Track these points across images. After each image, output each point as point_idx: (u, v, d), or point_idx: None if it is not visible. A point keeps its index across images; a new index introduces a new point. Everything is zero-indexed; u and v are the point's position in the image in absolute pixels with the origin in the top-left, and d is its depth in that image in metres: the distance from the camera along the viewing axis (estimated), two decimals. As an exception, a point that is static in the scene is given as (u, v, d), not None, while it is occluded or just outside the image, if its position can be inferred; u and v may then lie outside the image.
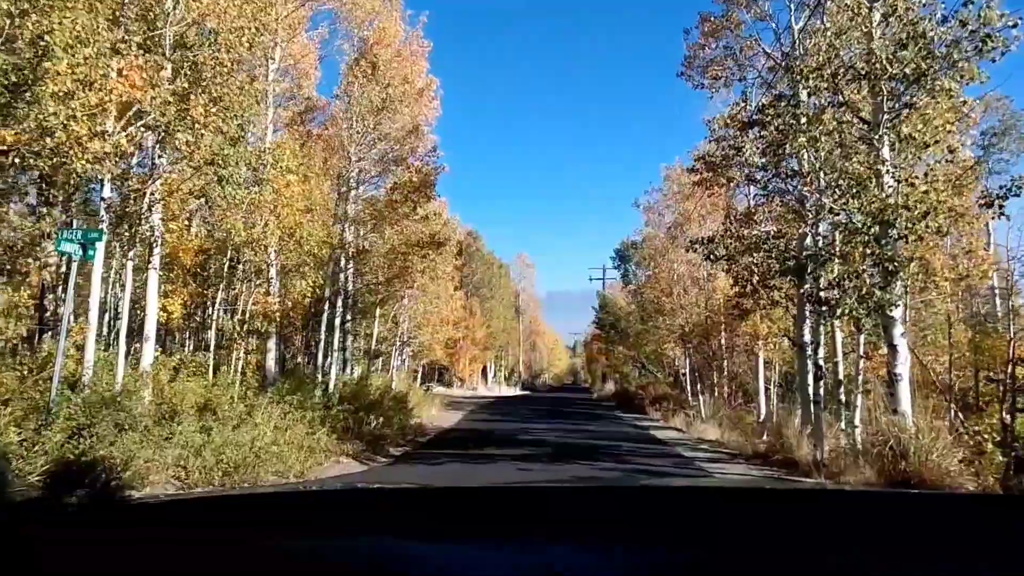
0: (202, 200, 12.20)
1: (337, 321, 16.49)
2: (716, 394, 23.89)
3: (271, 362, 15.22)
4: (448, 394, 42.38)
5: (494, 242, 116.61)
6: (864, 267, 10.14)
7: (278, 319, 15.15)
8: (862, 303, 9.85)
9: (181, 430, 8.96)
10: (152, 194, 9.87)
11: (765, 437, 20.92)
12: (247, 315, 13.87)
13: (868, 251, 9.94)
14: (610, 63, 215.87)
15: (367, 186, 16.23)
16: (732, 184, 16.91)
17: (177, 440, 8.72)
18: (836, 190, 10.46)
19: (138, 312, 12.62)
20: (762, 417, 21.39)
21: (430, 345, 29.03)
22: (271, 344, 15.31)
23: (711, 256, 13.00)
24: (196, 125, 9.18)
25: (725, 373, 23.30)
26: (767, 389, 24.49)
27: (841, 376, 13.51)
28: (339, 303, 16.56)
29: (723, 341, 23.38)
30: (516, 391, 59.27)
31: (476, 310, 51.18)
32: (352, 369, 22.38)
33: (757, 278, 12.95)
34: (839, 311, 10.36)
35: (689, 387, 26.31)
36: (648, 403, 27.80)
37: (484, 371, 60.54)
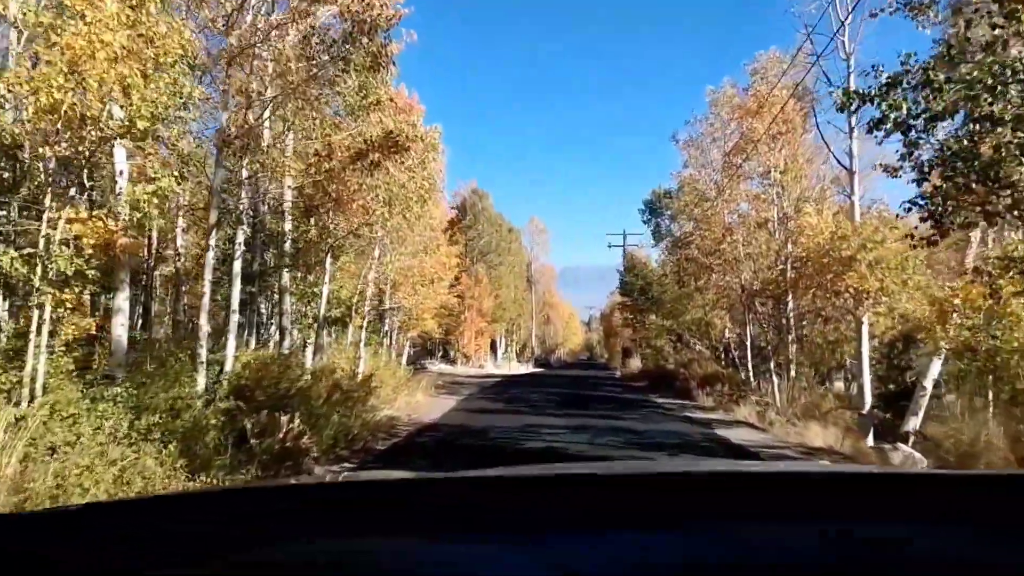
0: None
1: (237, 265, 10.44)
2: (794, 375, 17.69)
3: (119, 330, 9.18)
4: (449, 373, 36.44)
5: (504, 207, 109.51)
6: None
7: (127, 258, 9.17)
8: None
9: None
10: None
11: (871, 439, 14.80)
12: (52, 248, 7.82)
13: None
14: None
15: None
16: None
17: None
18: None
19: None
20: (866, 407, 15.22)
21: (418, 314, 22.96)
22: (120, 301, 9.27)
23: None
24: None
25: (805, 347, 17.08)
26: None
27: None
28: (240, 237, 10.48)
29: (803, 303, 17.12)
30: (528, 368, 53.26)
31: (483, 277, 45.09)
32: (296, 342, 16.38)
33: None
34: None
35: (751, 365, 20.11)
36: (695, 386, 21.64)
37: (493, 346, 54.56)
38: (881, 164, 8.58)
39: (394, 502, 1.34)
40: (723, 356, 25.00)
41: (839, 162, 15.82)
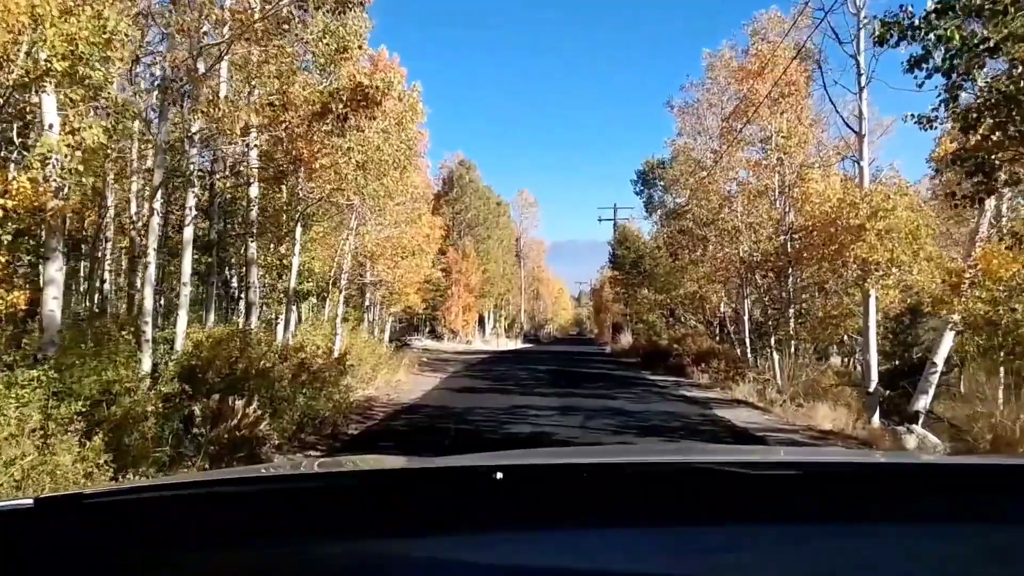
0: None
1: (188, 232, 9.32)
2: (794, 351, 16.81)
3: (51, 304, 8.08)
4: (435, 349, 35.45)
5: (493, 180, 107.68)
6: None
7: (59, 223, 8.09)
8: None
9: None
10: None
11: (877, 419, 13.95)
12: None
13: None
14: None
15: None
16: None
17: None
18: None
19: None
20: (872, 385, 14.35)
21: (401, 288, 21.87)
22: (52, 272, 8.17)
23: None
24: None
25: (808, 321, 16.16)
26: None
27: None
28: (191, 201, 9.35)
29: (806, 276, 16.19)
30: (517, 344, 52.37)
31: (470, 251, 43.97)
32: (269, 318, 15.39)
33: None
34: None
35: (748, 341, 19.22)
36: (689, 362, 20.76)
37: (481, 321, 53.59)
38: (910, 115, 7.55)
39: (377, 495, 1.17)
40: (718, 332, 24.12)
41: (847, 124, 14.78)
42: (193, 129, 8.82)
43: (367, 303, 22.20)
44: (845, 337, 20.02)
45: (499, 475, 1.12)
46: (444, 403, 14.01)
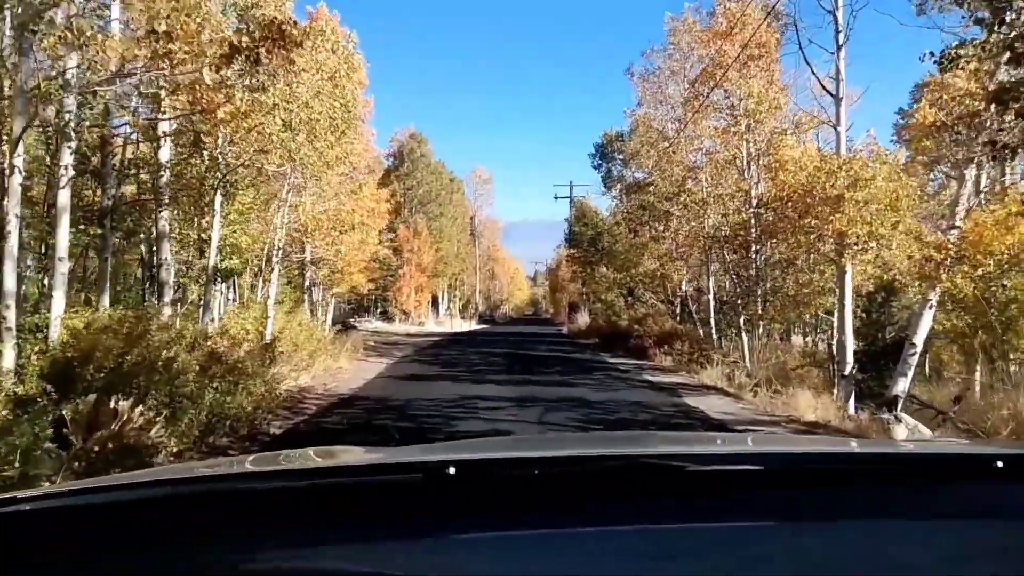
0: None
1: (63, 196, 7.66)
2: (762, 332, 15.83)
3: None
4: (385, 332, 33.81)
5: (447, 159, 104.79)
6: None
7: None
8: None
9: None
10: None
11: (852, 405, 13.04)
12: None
13: None
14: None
15: None
16: None
17: None
18: None
19: None
20: (848, 367, 13.44)
21: (344, 267, 20.22)
22: None
23: None
24: None
25: (778, 300, 15.15)
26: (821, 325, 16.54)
27: None
28: (66, 158, 7.67)
29: (779, 251, 15.15)
30: (472, 325, 50.98)
31: (422, 229, 42.27)
32: (190, 300, 13.73)
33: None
34: None
35: (714, 323, 18.21)
36: (651, 344, 19.68)
37: (435, 302, 52.03)
38: (929, 53, 6.37)
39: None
40: (680, 311, 23.12)
41: (823, 88, 13.71)
42: (70, 65, 7.15)
43: (307, 283, 20.52)
44: (808, 316, 19.19)
45: (452, 470, 1.04)
46: (386, 393, 12.59)
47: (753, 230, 14.85)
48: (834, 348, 14.09)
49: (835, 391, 13.23)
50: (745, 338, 15.04)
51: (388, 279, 39.72)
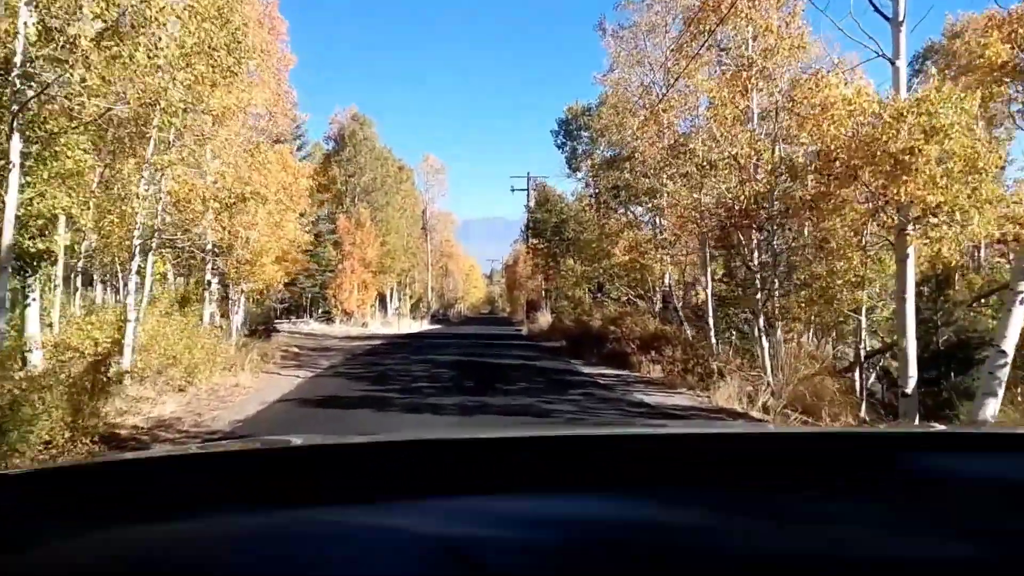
0: None
1: None
2: (781, 336, 12.35)
3: None
4: (320, 335, 29.57)
5: (397, 149, 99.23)
6: None
7: None
8: None
9: None
10: None
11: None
12: None
13: None
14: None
15: None
16: None
17: None
18: None
19: None
20: (910, 383, 10.03)
21: (252, 257, 16.13)
22: None
23: None
24: None
25: (813, 291, 11.69)
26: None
27: None
28: None
29: (808, 231, 11.70)
30: (423, 325, 46.91)
31: (365, 220, 38.05)
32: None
33: None
34: None
35: (712, 323, 14.71)
36: (633, 350, 16.10)
37: (384, 300, 47.83)
38: None
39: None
40: (663, 309, 19.61)
41: (874, 6, 10.26)
42: None
43: (208, 277, 16.39)
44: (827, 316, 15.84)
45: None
46: (281, 429, 8.73)
47: (776, 203, 11.36)
48: (862, 354, 10.72)
49: (897, 411, 9.83)
50: (766, 343, 11.53)
51: (328, 275, 35.51)
